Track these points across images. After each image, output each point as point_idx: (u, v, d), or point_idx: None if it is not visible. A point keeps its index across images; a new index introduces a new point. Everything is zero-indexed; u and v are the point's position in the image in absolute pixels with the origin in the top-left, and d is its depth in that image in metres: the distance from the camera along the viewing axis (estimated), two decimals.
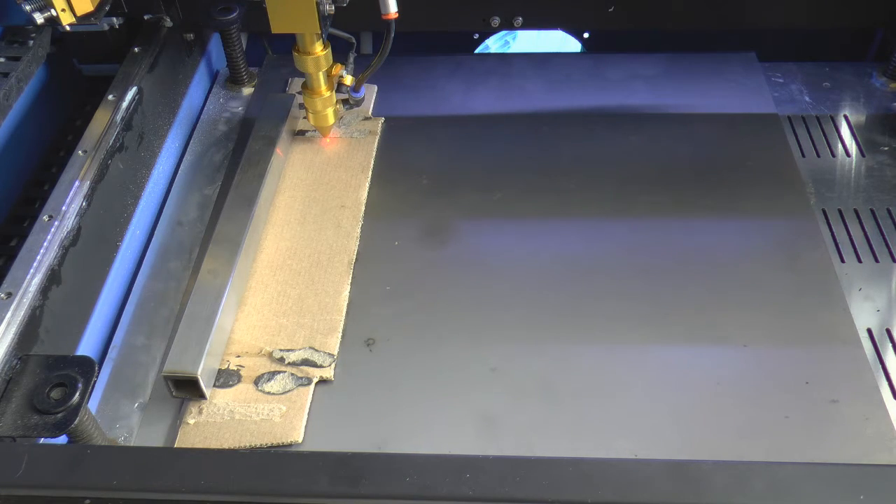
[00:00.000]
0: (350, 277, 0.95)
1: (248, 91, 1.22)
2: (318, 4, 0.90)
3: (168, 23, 1.05)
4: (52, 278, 0.80)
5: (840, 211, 1.02)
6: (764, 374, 0.84)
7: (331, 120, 1.08)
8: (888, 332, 0.88)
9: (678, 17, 1.22)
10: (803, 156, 1.09)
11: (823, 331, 0.88)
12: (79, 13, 0.87)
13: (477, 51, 1.45)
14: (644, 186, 1.04)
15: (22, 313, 0.76)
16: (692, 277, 0.93)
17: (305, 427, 0.81)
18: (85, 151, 0.91)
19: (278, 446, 0.80)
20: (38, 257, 0.80)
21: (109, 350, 0.89)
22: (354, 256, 0.98)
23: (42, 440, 0.70)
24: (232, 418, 0.82)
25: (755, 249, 0.96)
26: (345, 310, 0.92)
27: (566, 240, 0.99)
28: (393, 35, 0.96)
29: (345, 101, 1.10)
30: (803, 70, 1.23)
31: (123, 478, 0.58)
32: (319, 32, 0.94)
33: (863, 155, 1.09)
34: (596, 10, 1.21)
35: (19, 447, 0.65)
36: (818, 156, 1.10)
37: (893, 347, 0.87)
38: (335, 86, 1.05)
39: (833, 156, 1.09)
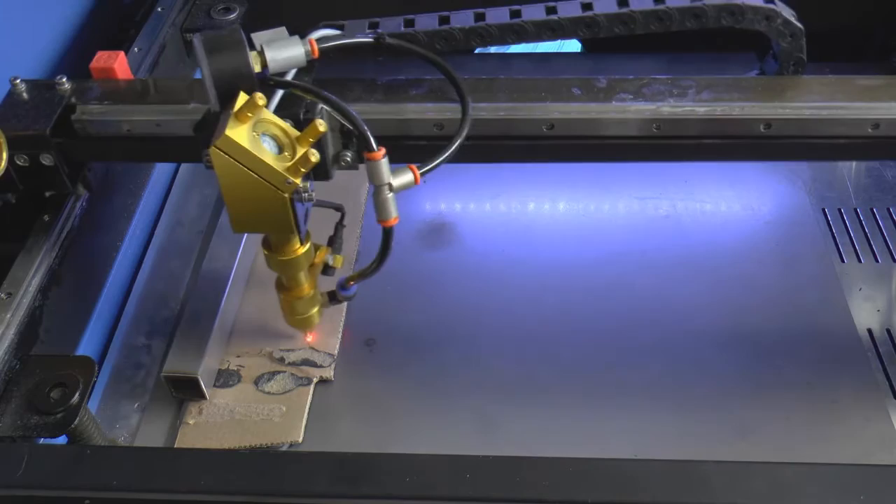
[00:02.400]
0: None
1: None
2: (294, 195, 0.67)
3: (81, 191, 0.84)
4: (52, 278, 0.80)
5: (840, 211, 1.02)
6: (764, 375, 0.84)
7: (316, 321, 0.84)
8: (888, 332, 0.88)
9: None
10: None
11: (823, 331, 0.88)
12: None
13: (477, 51, 1.45)
14: (643, 187, 1.04)
15: (22, 313, 0.75)
16: (692, 277, 0.93)
17: (305, 427, 0.81)
18: None
19: (278, 446, 0.80)
20: (39, 257, 0.79)
21: (109, 350, 0.89)
22: (355, 256, 0.97)
23: (42, 440, 0.70)
24: (232, 418, 0.82)
25: (755, 249, 0.96)
26: (345, 310, 0.92)
27: (566, 239, 0.99)
28: (392, 243, 0.72)
29: (331, 295, 0.83)
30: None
31: (123, 478, 0.58)
32: (295, 233, 0.73)
33: None
34: None
35: (19, 447, 0.66)
36: None
37: (893, 347, 0.87)
38: (319, 273, 0.82)
39: None
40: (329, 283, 0.83)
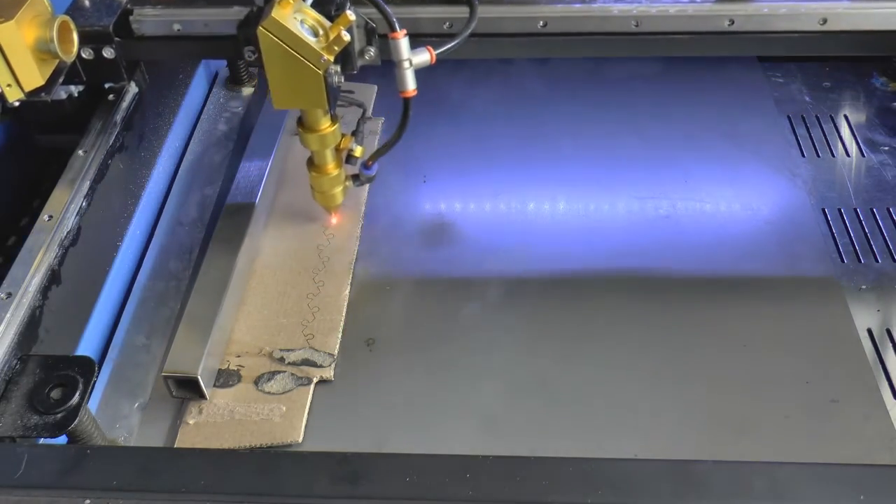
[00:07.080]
0: (350, 277, 0.95)
1: (248, 91, 1.22)
2: (325, 76, 0.79)
3: (133, 89, 0.96)
4: (52, 278, 0.80)
5: (840, 211, 1.02)
6: (764, 374, 0.84)
7: (339, 199, 0.98)
8: (888, 332, 0.88)
9: None
10: (803, 156, 1.09)
11: (823, 331, 0.88)
12: (27, 88, 0.78)
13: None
14: (643, 187, 1.04)
15: (22, 313, 0.75)
16: (692, 277, 0.93)
17: (305, 427, 0.81)
18: (85, 151, 0.91)
19: (278, 446, 0.80)
20: (38, 257, 0.80)
21: (109, 350, 0.89)
22: (354, 256, 0.98)
23: (42, 440, 0.70)
24: (232, 418, 0.82)
25: (755, 249, 0.96)
26: (345, 310, 0.92)
27: (566, 239, 0.99)
28: (411, 112, 0.86)
29: (355, 177, 0.97)
30: (803, 70, 1.23)
31: (123, 478, 0.58)
32: (327, 108, 0.86)
33: (863, 155, 1.09)
34: None
35: (19, 447, 0.66)
36: (818, 156, 1.10)
37: (893, 347, 0.87)
38: (344, 160, 0.95)
39: (833, 156, 1.09)
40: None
